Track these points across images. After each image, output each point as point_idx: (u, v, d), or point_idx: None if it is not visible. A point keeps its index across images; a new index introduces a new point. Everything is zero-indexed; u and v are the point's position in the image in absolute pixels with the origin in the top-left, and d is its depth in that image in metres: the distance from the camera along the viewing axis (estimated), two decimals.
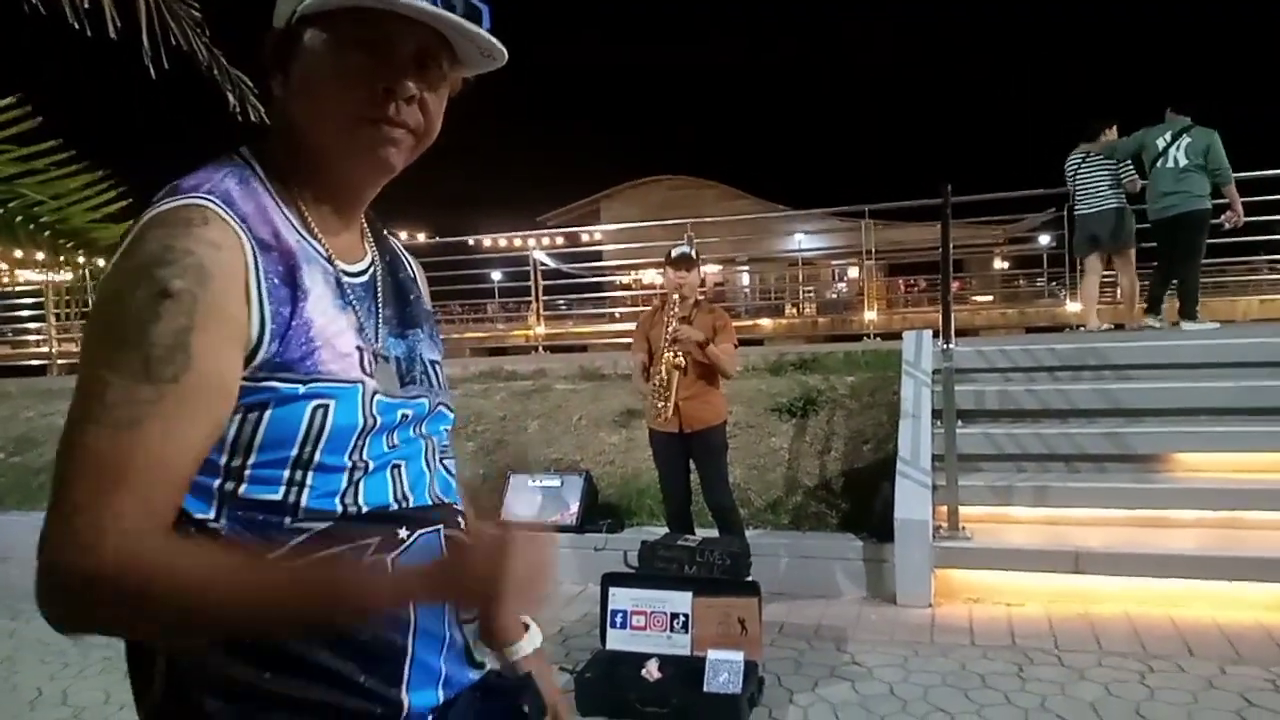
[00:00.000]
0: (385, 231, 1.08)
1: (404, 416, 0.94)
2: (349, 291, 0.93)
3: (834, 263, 23.80)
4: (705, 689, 3.20)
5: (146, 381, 0.77)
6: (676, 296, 4.16)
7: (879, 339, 8.82)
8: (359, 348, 0.91)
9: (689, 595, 3.48)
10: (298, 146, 0.91)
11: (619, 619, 3.55)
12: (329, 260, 0.92)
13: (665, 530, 4.39)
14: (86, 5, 2.10)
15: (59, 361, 11.40)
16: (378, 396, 0.90)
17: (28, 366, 11.93)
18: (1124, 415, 4.97)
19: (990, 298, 18.67)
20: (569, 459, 5.70)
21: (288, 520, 0.85)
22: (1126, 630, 3.86)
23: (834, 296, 21.71)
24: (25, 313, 12.81)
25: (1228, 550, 4.11)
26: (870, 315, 10.06)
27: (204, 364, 0.79)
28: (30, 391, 8.41)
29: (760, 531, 4.82)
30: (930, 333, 5.66)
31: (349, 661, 0.87)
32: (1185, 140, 6.36)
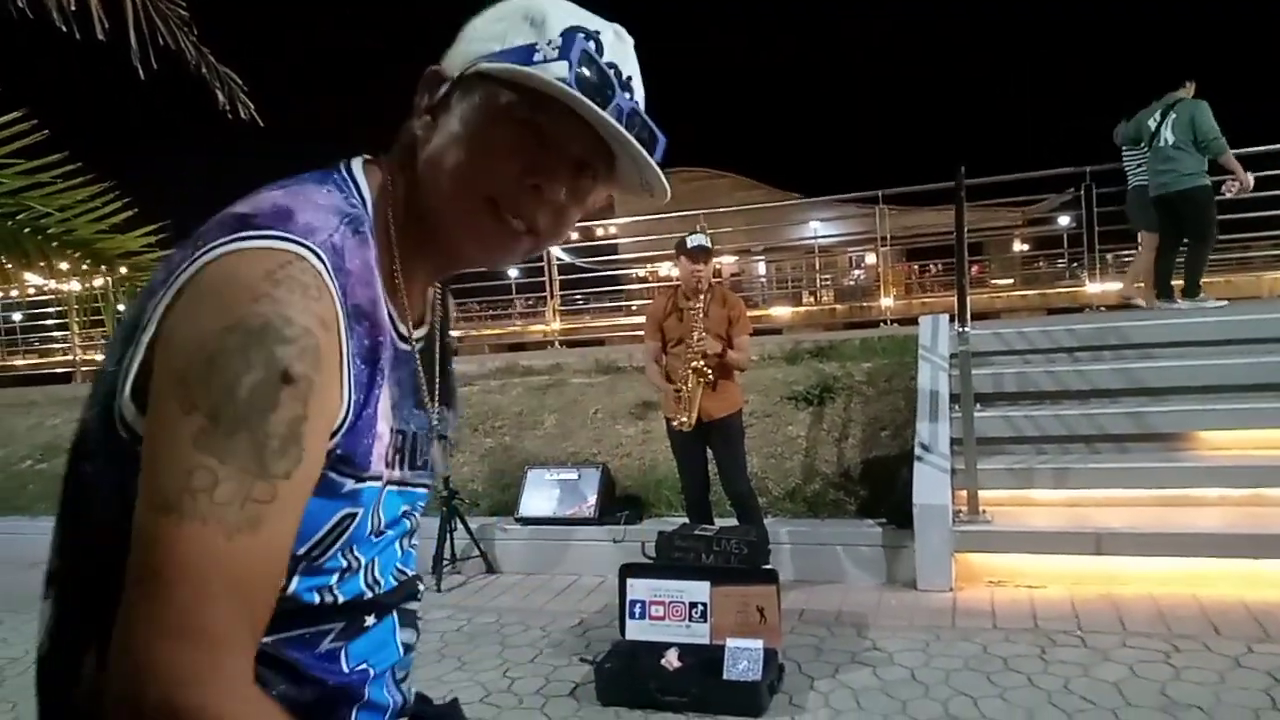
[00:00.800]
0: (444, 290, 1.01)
1: (404, 512, 0.91)
2: (399, 363, 0.86)
3: (850, 250, 23.61)
4: (725, 677, 3.21)
5: (262, 477, 0.68)
6: (703, 296, 4.15)
7: (896, 325, 8.77)
8: (391, 428, 0.84)
9: (707, 585, 3.49)
10: (417, 199, 0.85)
11: (638, 609, 3.56)
12: (395, 328, 0.85)
13: (684, 520, 4.40)
14: (73, 7, 2.10)
15: (83, 369, 11.57)
16: (388, 489, 0.85)
17: (52, 375, 12.10)
18: (1145, 394, 4.92)
19: (1011, 280, 18.44)
20: (586, 452, 5.72)
21: None
22: (1151, 611, 3.83)
23: (851, 284, 21.56)
24: (50, 321, 13.01)
25: (1252, 528, 4.06)
26: (887, 301, 9.99)
27: (310, 459, 0.73)
28: (55, 399, 8.54)
29: (779, 519, 4.82)
30: (946, 317, 5.63)
31: None
32: (1172, 117, 6.21)
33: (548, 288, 10.04)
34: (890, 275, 10.52)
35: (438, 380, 0.95)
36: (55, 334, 13.72)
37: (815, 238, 15.40)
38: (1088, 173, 7.93)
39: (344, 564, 0.83)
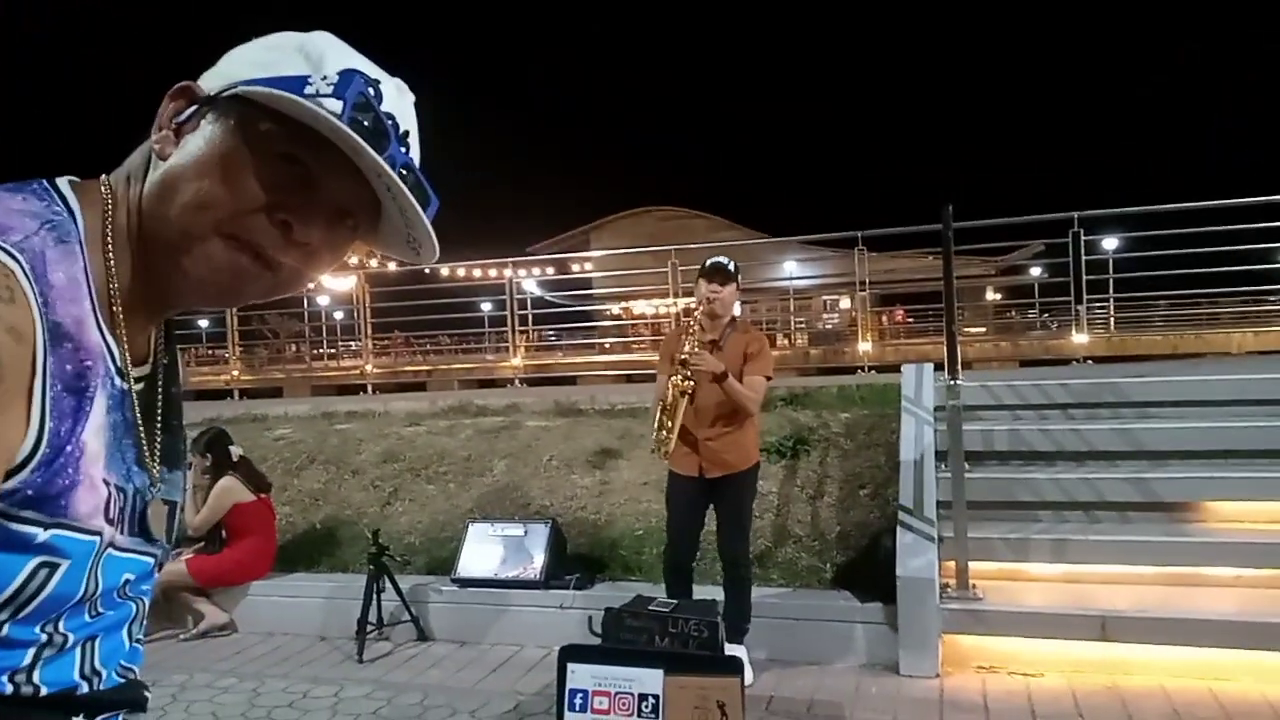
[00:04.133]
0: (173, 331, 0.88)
1: (125, 580, 0.78)
2: (115, 404, 0.74)
3: (825, 296, 23.49)
4: None
5: None
6: (699, 316, 3.73)
7: (874, 371, 8.38)
8: (106, 480, 0.72)
9: (660, 673, 2.98)
10: (152, 219, 0.74)
11: (579, 701, 3.04)
12: (111, 361, 0.73)
13: (642, 584, 3.90)
14: None
15: None
16: (110, 551, 0.73)
17: None
18: (1147, 458, 4.51)
19: (983, 330, 18.38)
20: (536, 504, 5.20)
21: None
22: (1164, 709, 3.37)
23: (826, 327, 21.36)
24: None
25: (1272, 615, 3.62)
26: (865, 347, 9.61)
27: None
28: None
29: None
30: (930, 366, 5.22)
31: None
32: None
33: (510, 322, 9.56)
34: (867, 321, 10.13)
35: (159, 434, 0.81)
36: None
37: (790, 279, 15.07)
38: (1075, 218, 7.62)
39: (42, 638, 0.71)
